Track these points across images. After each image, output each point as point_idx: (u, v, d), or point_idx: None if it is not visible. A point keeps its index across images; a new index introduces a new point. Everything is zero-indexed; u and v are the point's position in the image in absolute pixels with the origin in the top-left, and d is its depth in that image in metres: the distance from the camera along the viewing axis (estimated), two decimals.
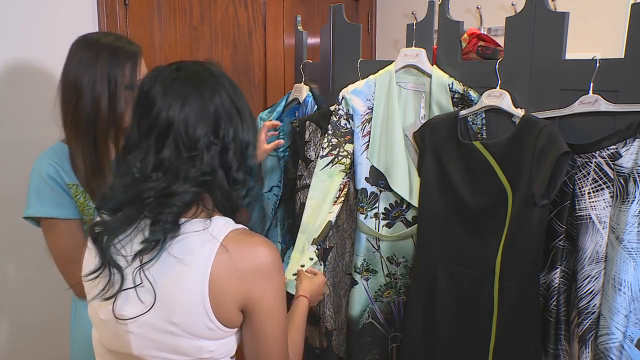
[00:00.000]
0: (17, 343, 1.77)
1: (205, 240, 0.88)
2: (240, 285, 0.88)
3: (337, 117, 1.57)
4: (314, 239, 1.57)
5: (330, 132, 1.58)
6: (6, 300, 1.73)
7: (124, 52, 1.28)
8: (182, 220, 0.89)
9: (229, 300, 0.88)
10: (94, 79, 1.24)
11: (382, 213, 1.55)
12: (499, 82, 1.35)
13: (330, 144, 1.57)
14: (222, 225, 0.91)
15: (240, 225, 0.94)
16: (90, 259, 0.95)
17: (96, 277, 0.90)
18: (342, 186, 1.58)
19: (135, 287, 0.87)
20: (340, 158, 1.57)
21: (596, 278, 1.15)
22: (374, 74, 1.57)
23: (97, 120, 1.25)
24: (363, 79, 1.59)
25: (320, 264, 1.64)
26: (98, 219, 0.94)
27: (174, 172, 0.87)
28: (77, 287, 1.28)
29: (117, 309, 0.90)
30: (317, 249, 1.56)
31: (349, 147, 1.56)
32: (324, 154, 1.59)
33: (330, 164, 1.57)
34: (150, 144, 0.89)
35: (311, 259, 1.53)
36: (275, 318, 0.93)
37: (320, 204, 1.57)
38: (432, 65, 1.48)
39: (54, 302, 1.57)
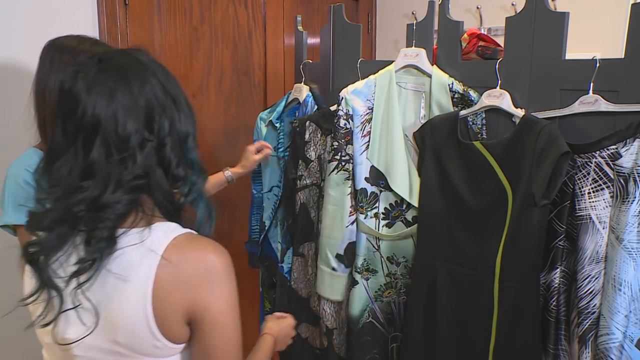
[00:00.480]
0: None
1: (144, 254, 0.81)
2: (184, 296, 0.81)
3: (338, 118, 1.57)
4: (338, 254, 1.59)
5: (333, 134, 1.59)
6: None
7: None
8: (120, 231, 0.82)
9: (174, 313, 0.81)
10: None
11: (382, 213, 1.55)
12: (499, 82, 1.35)
13: (333, 147, 1.58)
14: (162, 234, 0.83)
15: (185, 230, 0.86)
16: (28, 281, 0.88)
17: (34, 300, 0.83)
18: (351, 195, 1.57)
19: (75, 307, 0.81)
20: (343, 164, 1.57)
21: (596, 278, 1.15)
22: (374, 74, 1.57)
23: None
24: (363, 79, 1.59)
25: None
26: (33, 237, 0.86)
27: (105, 178, 0.80)
28: None
29: (60, 333, 0.84)
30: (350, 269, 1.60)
31: (350, 149, 1.56)
32: (329, 158, 1.59)
33: (336, 170, 1.58)
34: (77, 149, 0.81)
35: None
36: (226, 332, 0.84)
37: (336, 212, 1.58)
38: (432, 65, 1.48)
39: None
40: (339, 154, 1.57)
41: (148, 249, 0.81)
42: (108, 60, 0.86)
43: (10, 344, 1.75)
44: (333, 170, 1.58)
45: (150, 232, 0.83)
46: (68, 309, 0.82)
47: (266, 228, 1.92)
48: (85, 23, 1.87)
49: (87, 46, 1.27)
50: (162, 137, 0.84)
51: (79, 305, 0.81)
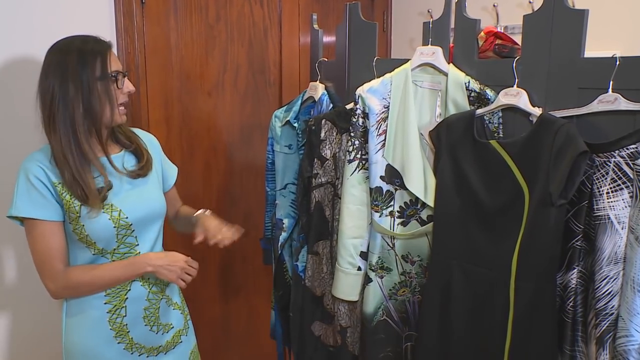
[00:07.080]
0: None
1: None
2: None
3: (356, 117, 1.57)
4: (362, 252, 1.61)
5: (352, 133, 1.59)
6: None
7: (91, 51, 1.32)
8: None
9: None
10: (66, 83, 1.29)
11: (397, 211, 1.55)
12: (516, 80, 1.34)
13: (354, 146, 1.58)
14: None
15: None
16: None
17: None
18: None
19: None
20: (364, 162, 1.58)
21: (614, 279, 1.13)
22: (390, 72, 1.56)
23: (75, 121, 1.30)
24: (379, 77, 1.58)
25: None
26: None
27: None
28: (52, 286, 1.32)
29: None
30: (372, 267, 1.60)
31: (367, 147, 1.57)
32: (351, 157, 1.59)
33: (357, 169, 1.59)
34: None
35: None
36: None
37: (360, 211, 1.60)
38: (449, 63, 1.47)
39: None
40: (360, 152, 1.57)
41: None
42: None
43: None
44: (355, 170, 1.58)
45: None
46: None
47: (284, 225, 1.92)
48: (102, 22, 1.89)
49: (78, 42, 1.33)
50: None
51: None
